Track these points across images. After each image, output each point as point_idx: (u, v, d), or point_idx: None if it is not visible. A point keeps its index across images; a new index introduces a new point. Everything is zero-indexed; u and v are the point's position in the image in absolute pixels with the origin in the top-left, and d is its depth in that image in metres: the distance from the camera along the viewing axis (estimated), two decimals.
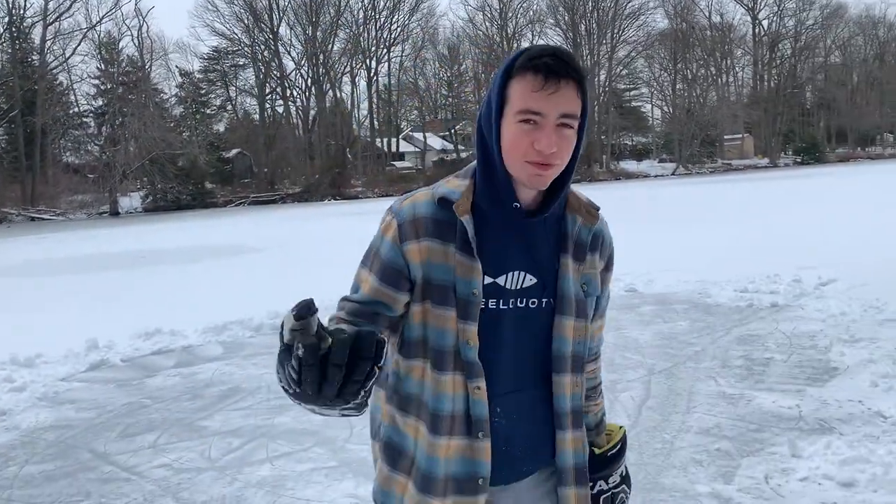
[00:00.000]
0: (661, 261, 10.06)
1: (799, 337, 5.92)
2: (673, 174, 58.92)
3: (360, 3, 57.47)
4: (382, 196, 48.93)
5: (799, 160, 65.44)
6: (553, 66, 1.24)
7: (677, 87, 66.38)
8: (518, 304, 1.37)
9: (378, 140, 59.48)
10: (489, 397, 1.36)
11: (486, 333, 1.34)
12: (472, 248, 1.32)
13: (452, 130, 60.79)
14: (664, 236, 14.00)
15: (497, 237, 1.36)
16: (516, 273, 1.36)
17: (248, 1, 54.79)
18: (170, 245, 19.54)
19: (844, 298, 7.10)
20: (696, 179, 48.31)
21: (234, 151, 54.43)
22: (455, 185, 1.37)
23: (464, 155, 57.06)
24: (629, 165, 62.96)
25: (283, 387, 1.05)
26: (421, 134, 61.77)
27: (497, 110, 1.30)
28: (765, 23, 70.43)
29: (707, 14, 68.28)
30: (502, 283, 1.36)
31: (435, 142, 62.35)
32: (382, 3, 58.07)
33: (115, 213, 43.83)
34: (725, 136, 66.42)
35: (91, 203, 44.64)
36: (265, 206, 44.92)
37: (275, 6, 55.55)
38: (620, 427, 1.64)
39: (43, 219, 40.50)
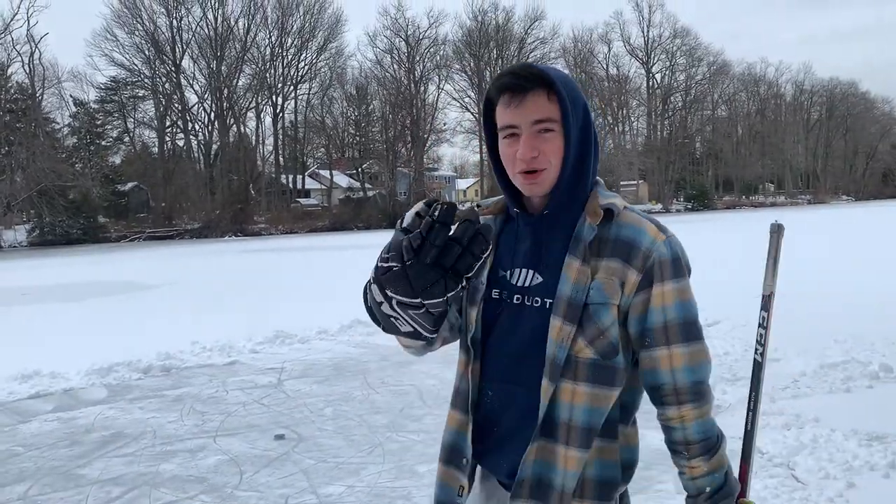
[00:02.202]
0: None
1: None
2: None
3: (267, 40, 57.17)
4: (286, 233, 48.16)
5: (689, 206, 69.03)
6: (511, 83, 1.34)
7: None
8: (522, 300, 1.40)
9: (283, 176, 58.75)
10: (486, 380, 1.44)
11: (487, 321, 1.43)
12: (489, 246, 1.38)
13: (360, 169, 60.80)
14: None
15: (515, 237, 1.45)
16: (524, 270, 1.41)
17: (150, 32, 53.48)
18: (55, 281, 18.49)
19: (728, 339, 7.47)
20: None
21: (131, 185, 52.46)
22: (496, 198, 1.53)
23: (370, 193, 57.10)
24: None
25: (386, 265, 1.26)
26: (328, 171, 61.48)
27: (489, 136, 1.44)
28: (658, 76, 74.65)
29: (605, 66, 71.75)
30: (509, 278, 1.42)
31: (342, 179, 62.14)
32: (290, 41, 57.99)
33: None
34: (622, 182, 69.35)
35: None
36: (161, 241, 43.39)
37: (178, 38, 54.45)
38: None
39: None
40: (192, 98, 56.24)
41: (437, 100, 64.01)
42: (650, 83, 74.42)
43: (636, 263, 1.34)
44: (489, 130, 1.44)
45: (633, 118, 75.25)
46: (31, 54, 47.04)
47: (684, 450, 1.41)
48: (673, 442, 1.43)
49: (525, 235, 1.42)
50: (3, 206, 42.54)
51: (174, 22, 54.03)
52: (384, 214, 52.81)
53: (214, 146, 56.40)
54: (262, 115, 58.37)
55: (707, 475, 1.40)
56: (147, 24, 53.38)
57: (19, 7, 48.80)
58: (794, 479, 3.79)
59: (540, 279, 1.38)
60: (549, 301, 1.36)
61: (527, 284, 1.39)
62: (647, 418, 5.31)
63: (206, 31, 54.91)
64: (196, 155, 56.68)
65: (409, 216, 1.31)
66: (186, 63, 55.21)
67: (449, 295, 1.26)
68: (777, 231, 1.58)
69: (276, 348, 8.05)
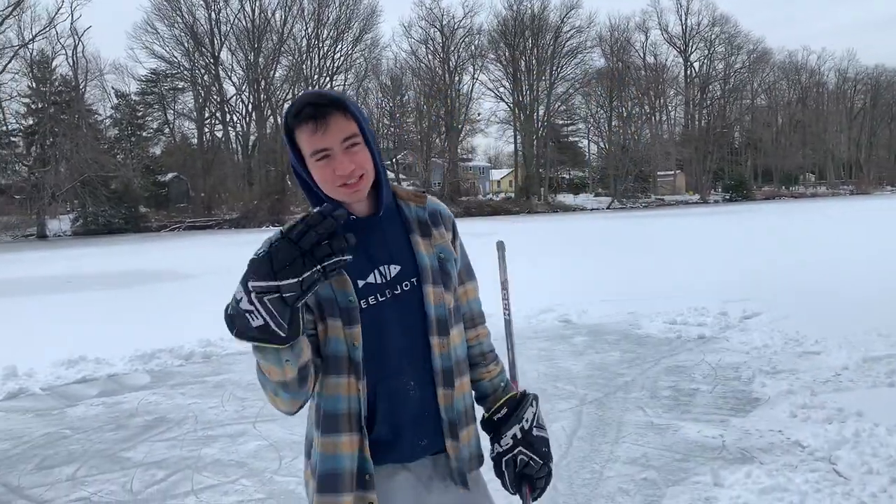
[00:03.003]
0: (594, 292, 10.26)
1: (724, 368, 6.11)
2: (608, 208, 60.36)
3: (303, 32, 57.54)
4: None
5: (728, 197, 67.94)
6: (313, 113, 1.48)
7: (613, 123, 68.32)
8: (394, 291, 1.58)
9: None
10: (381, 381, 1.56)
11: (372, 328, 1.55)
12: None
13: (394, 160, 60.99)
14: (598, 268, 14.29)
15: (355, 247, 1.52)
16: (383, 267, 1.58)
17: (189, 24, 54.20)
18: (99, 270, 18.94)
19: (767, 331, 7.36)
20: (630, 213, 49.60)
21: (171, 175, 53.34)
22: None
23: (405, 183, 57.22)
24: (566, 199, 64.21)
25: (255, 256, 1.30)
26: None
27: (299, 163, 1.55)
28: (696, 65, 73.47)
29: (642, 55, 70.80)
30: (373, 281, 1.57)
31: None
32: (326, 33, 58.30)
33: (42, 236, 42.29)
34: (658, 173, 68.50)
35: (17, 225, 42.99)
36: (201, 231, 44.05)
37: (216, 31, 55.10)
38: (513, 393, 1.75)
39: None
40: (231, 90, 57.00)
41: (472, 90, 63.92)
42: (688, 72, 73.31)
43: (447, 225, 1.71)
44: (295, 153, 1.55)
45: (670, 107, 74.23)
46: (75, 47, 48.08)
47: (482, 359, 1.77)
48: (474, 356, 1.76)
49: (364, 241, 1.57)
50: (48, 196, 43.60)
51: (212, 14, 54.73)
52: None
53: (252, 137, 57.09)
54: None
55: (499, 374, 1.81)
56: (186, 16, 54.16)
57: (63, 1, 49.75)
58: (836, 474, 3.74)
59: (398, 267, 1.59)
60: (414, 279, 1.60)
61: (392, 276, 1.58)
62: (682, 410, 5.23)
63: (244, 23, 55.49)
64: (234, 146, 57.44)
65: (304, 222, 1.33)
66: (225, 55, 55.95)
67: (304, 276, 1.27)
68: (501, 248, 2.06)
69: None
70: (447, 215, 1.74)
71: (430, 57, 62.30)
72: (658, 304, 9.12)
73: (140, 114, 56.68)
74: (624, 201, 61.98)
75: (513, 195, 65.88)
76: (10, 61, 46.25)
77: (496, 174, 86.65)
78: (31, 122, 49.08)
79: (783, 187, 77.22)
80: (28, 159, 47.70)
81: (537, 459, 1.69)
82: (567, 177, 72.55)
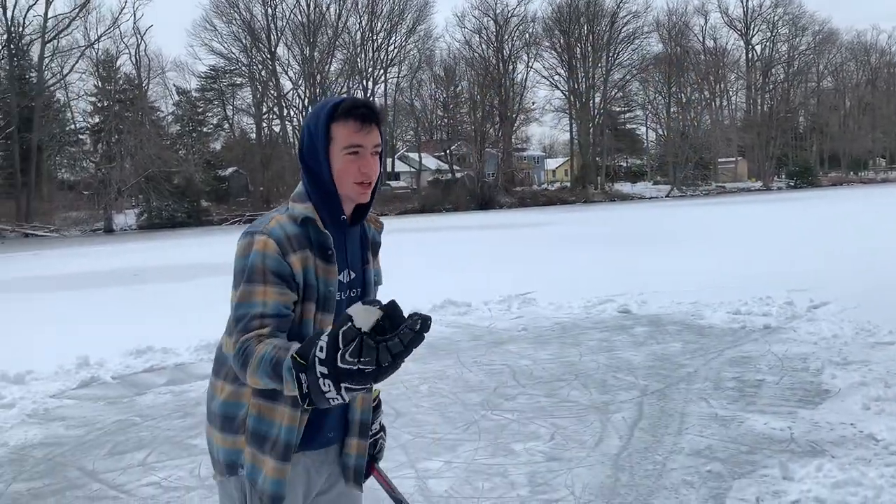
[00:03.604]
0: (654, 282, 10.08)
1: (791, 359, 5.93)
2: (667, 196, 59.24)
3: (357, 25, 58.01)
4: (377, 215, 48.90)
5: (792, 184, 65.93)
6: (367, 115, 1.70)
7: (671, 110, 66.96)
8: (350, 294, 1.80)
9: None
10: None
11: (334, 320, 1.71)
12: (333, 255, 1.72)
13: (448, 151, 61.04)
14: (658, 258, 14.04)
15: (335, 244, 1.75)
16: (346, 270, 1.80)
17: (247, 21, 55.19)
18: (164, 262, 19.51)
19: (836, 321, 7.12)
20: (690, 201, 48.56)
21: (231, 170, 54.52)
22: (305, 208, 1.72)
23: (459, 174, 57.28)
24: (624, 187, 63.29)
25: (356, 368, 1.40)
26: (416, 154, 62.03)
27: (324, 150, 1.71)
28: (758, 48, 71.36)
29: (701, 39, 69.12)
30: (342, 279, 1.78)
31: (430, 162, 62.58)
32: (380, 25, 58.65)
33: (109, 230, 43.77)
34: (719, 160, 66.90)
35: (85, 220, 44.58)
36: None
37: (272, 26, 55.98)
38: (376, 391, 1.99)
39: (37, 235, 40.38)
40: (287, 84, 57.88)
41: (526, 78, 63.48)
42: (749, 55, 71.26)
43: (377, 254, 1.96)
44: (324, 142, 1.71)
45: (730, 92, 72.28)
46: (138, 46, 49.52)
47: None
48: None
49: (341, 241, 1.77)
50: (114, 192, 45.10)
51: (269, 10, 55.62)
52: (472, 196, 52.90)
53: None
54: None
55: None
56: (244, 13, 55.18)
57: (126, 1, 51.25)
58: None
59: (354, 274, 1.81)
60: (358, 289, 1.82)
61: (349, 280, 1.80)
62: (747, 402, 5.12)
63: (299, 17, 56.23)
64: (291, 140, 58.29)
65: (366, 321, 1.41)
66: (281, 50, 56.83)
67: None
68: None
69: None
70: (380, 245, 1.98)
71: (483, 46, 62.13)
72: (721, 293, 8.91)
73: (200, 110, 58.10)
74: (684, 189, 60.75)
75: (568, 184, 65.25)
76: (77, 61, 48.01)
77: (551, 163, 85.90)
78: (97, 119, 50.82)
79: (851, 173, 74.48)
80: (95, 156, 49.44)
81: (385, 440, 2.06)
82: (624, 165, 71.51)
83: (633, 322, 7.86)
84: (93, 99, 50.79)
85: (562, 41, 63.56)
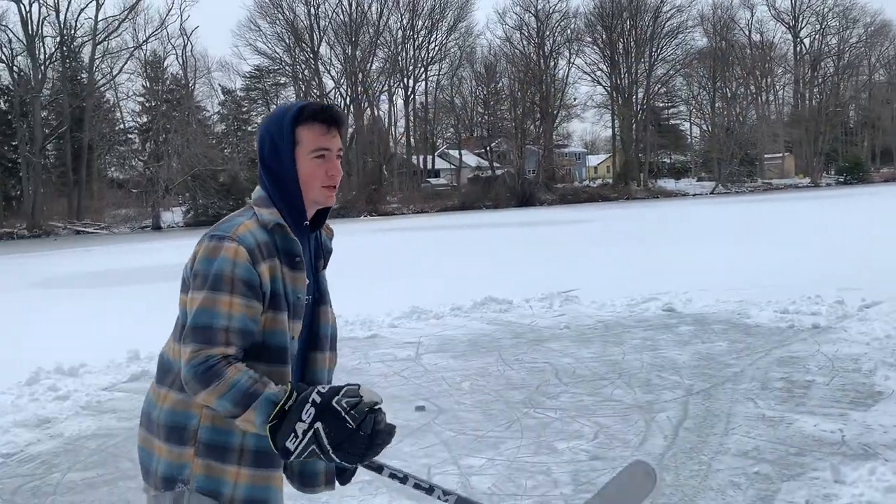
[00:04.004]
0: (699, 280, 9.93)
1: (842, 360, 5.79)
2: (712, 193, 58.23)
3: (398, 23, 58.22)
4: (417, 213, 49.16)
5: (842, 180, 64.22)
6: (333, 118, 1.72)
7: (716, 105, 65.74)
8: (307, 300, 1.77)
9: (414, 157, 59.89)
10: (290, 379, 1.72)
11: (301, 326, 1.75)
12: (301, 262, 1.69)
13: (488, 148, 60.92)
14: (703, 255, 13.83)
15: (302, 247, 1.74)
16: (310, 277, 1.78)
17: (290, 21, 55.82)
18: None
19: (890, 321, 6.92)
20: (736, 198, 47.66)
21: None
22: (272, 214, 1.68)
23: (499, 171, 57.14)
24: (667, 184, 62.42)
25: (352, 428, 1.49)
26: (456, 151, 62.03)
27: (290, 154, 1.69)
28: (806, 41, 69.59)
29: (747, 32, 67.72)
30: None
31: (470, 159, 62.54)
32: (421, 23, 58.78)
33: (157, 227, 44.73)
34: (765, 155, 65.51)
35: (134, 217, 45.65)
36: None
37: (315, 26, 56.52)
38: None
39: (88, 232, 41.50)
40: (329, 83, 58.39)
41: (568, 74, 62.97)
42: (798, 49, 69.54)
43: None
44: (289, 146, 1.70)
45: (777, 87, 70.67)
46: (184, 47, 50.44)
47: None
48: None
49: (306, 245, 1.77)
50: (161, 190, 46.06)
51: (312, 10, 56.18)
52: (513, 193, 52.70)
53: (350, 129, 58.29)
54: (394, 98, 59.69)
55: None
56: (287, 13, 55.84)
57: (173, 3, 52.28)
58: None
59: (308, 280, 1.75)
60: (310, 297, 1.78)
61: (307, 285, 1.75)
62: (796, 402, 5.01)
63: (342, 17, 56.66)
64: None
65: (369, 395, 1.54)
66: (324, 49, 57.38)
67: (348, 465, 1.60)
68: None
69: (412, 323, 8.27)
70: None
71: (524, 43, 61.81)
72: (768, 292, 8.74)
73: (245, 109, 59.01)
74: (728, 186, 59.64)
75: (611, 181, 64.60)
76: (126, 62, 49.12)
77: (593, 160, 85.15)
78: (145, 119, 51.97)
79: None
80: (143, 155, 50.56)
81: None
82: (668, 161, 70.51)
83: (678, 321, 7.76)
84: (141, 99, 51.97)
85: (604, 36, 62.88)
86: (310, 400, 1.49)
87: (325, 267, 1.89)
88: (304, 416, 1.47)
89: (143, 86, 51.40)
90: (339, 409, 1.46)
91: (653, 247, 16.43)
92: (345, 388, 1.52)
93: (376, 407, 1.52)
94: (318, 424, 1.46)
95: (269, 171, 1.72)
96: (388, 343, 7.35)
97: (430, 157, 62.12)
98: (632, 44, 62.85)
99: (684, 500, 3.41)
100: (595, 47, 63.56)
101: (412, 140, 60.76)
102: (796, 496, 3.39)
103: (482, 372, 6.02)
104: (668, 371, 5.74)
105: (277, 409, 1.50)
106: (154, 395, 1.71)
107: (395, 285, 11.60)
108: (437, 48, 59.69)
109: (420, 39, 59.11)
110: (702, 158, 68.56)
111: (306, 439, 1.47)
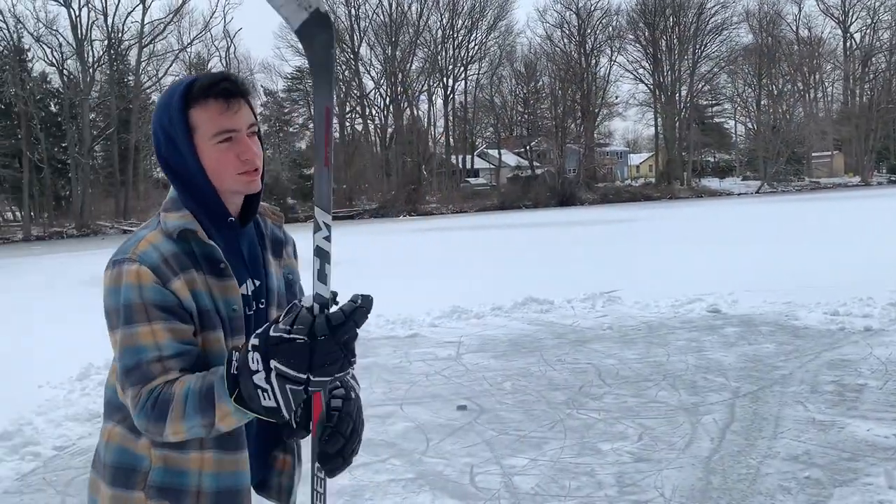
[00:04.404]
0: (745, 281, 9.75)
1: None
2: (757, 192, 57.11)
3: (438, 23, 58.30)
4: (456, 212, 49.16)
5: (894, 178, 62.39)
6: (231, 90, 1.39)
7: (762, 102, 64.46)
8: (257, 306, 1.51)
9: (453, 157, 59.93)
10: None
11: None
12: (226, 268, 1.42)
13: (528, 147, 60.65)
14: (749, 256, 13.57)
15: (230, 253, 1.46)
16: (248, 280, 1.50)
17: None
18: None
19: None
20: (783, 198, 46.66)
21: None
22: (180, 218, 1.42)
23: (539, 171, 56.85)
24: (711, 183, 61.41)
25: (289, 336, 1.20)
26: (496, 150, 61.92)
27: (187, 142, 1.40)
28: (857, 36, 67.73)
29: (794, 28, 66.23)
30: (245, 292, 1.49)
31: (510, 158, 62.36)
32: (461, 23, 58.76)
33: None
34: (813, 154, 64.03)
35: None
36: (343, 221, 45.79)
37: (356, 27, 56.93)
38: None
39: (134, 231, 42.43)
40: (369, 84, 58.74)
41: (609, 72, 62.33)
42: (847, 44, 67.74)
43: (292, 251, 1.68)
44: (184, 134, 1.40)
45: (826, 83, 68.95)
46: (228, 49, 51.32)
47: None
48: None
49: (234, 249, 1.48)
50: None
51: (352, 10, 56.60)
52: (553, 192, 52.38)
53: (389, 130, 58.60)
54: (433, 98, 59.79)
55: None
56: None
57: (217, 5, 53.21)
58: None
59: (257, 282, 1.51)
60: (264, 300, 1.52)
61: (251, 291, 1.50)
62: (847, 406, 4.91)
63: (382, 17, 56.94)
64: (373, 138, 59.25)
65: (308, 299, 1.26)
66: (364, 50, 57.72)
67: (338, 375, 1.21)
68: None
69: (453, 323, 8.28)
70: (292, 240, 1.69)
71: (565, 41, 61.37)
72: (817, 293, 8.54)
73: (286, 110, 59.74)
74: (775, 185, 58.42)
75: (653, 180, 63.77)
76: (171, 65, 50.15)
77: (635, 159, 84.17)
78: None
79: None
80: None
81: None
82: (712, 160, 69.36)
83: (724, 322, 7.63)
84: None
85: (646, 34, 62.11)
86: (249, 348, 1.24)
87: (293, 258, 1.66)
88: (253, 366, 1.22)
89: None
90: (279, 335, 1.20)
91: (697, 247, 16.17)
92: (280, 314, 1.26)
93: (316, 304, 1.25)
94: (273, 363, 1.20)
95: (169, 168, 1.44)
96: (428, 342, 7.36)
97: (469, 157, 62.06)
98: (675, 41, 61.96)
99: None
100: (637, 45, 62.87)
101: (451, 140, 60.77)
102: (849, 502, 3.31)
103: (524, 372, 5.99)
104: (713, 373, 5.64)
105: (227, 381, 1.26)
106: (101, 433, 1.49)
107: (435, 285, 11.61)
108: (476, 47, 59.66)
109: (460, 39, 59.12)
110: (747, 157, 67.26)
111: (275, 385, 1.21)
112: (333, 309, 1.24)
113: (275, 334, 1.21)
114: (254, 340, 1.24)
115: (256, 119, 1.46)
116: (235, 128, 1.40)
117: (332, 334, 1.19)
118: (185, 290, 1.37)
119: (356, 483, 3.83)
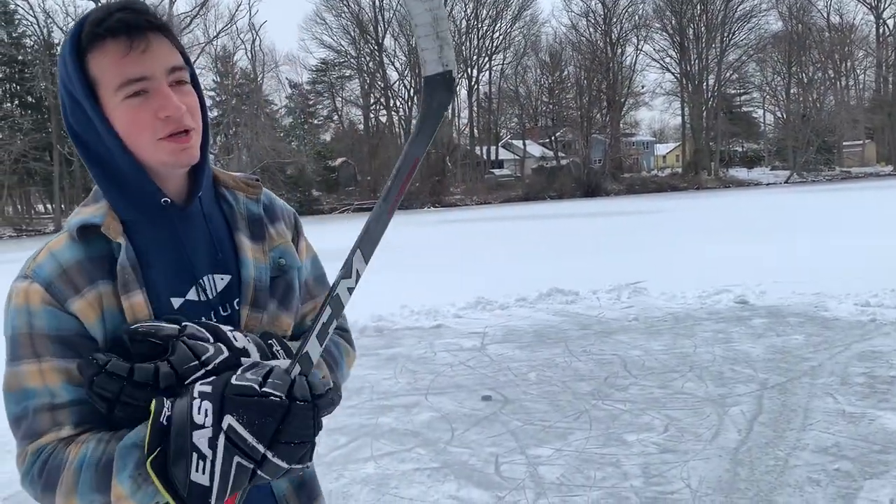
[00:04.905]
0: (773, 272, 9.63)
1: None
2: (786, 182, 56.28)
3: (462, 13, 58.08)
4: (481, 204, 49.10)
5: None
6: (132, 21, 1.01)
7: (791, 91, 63.41)
8: (222, 312, 1.12)
9: (477, 148, 59.80)
10: None
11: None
12: (131, 277, 1.05)
13: (553, 137, 60.32)
14: (777, 247, 13.39)
15: (165, 248, 1.10)
16: (207, 278, 1.12)
17: (355, 13, 56.43)
18: None
19: None
20: (812, 188, 45.93)
21: (340, 160, 56.09)
22: (90, 211, 1.09)
23: (564, 161, 56.54)
24: (739, 173, 60.64)
25: (261, 390, 0.93)
26: (520, 141, 61.68)
27: (90, 102, 1.03)
28: (890, 22, 66.26)
29: (825, 14, 65.03)
30: (195, 298, 1.10)
31: (535, 149, 62.08)
32: (485, 13, 58.48)
33: None
34: (844, 143, 62.91)
35: None
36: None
37: (380, 18, 56.95)
38: None
39: None
40: (394, 75, 58.78)
41: (636, 61, 61.77)
42: (880, 30, 66.34)
43: (288, 222, 1.27)
44: (84, 91, 1.03)
45: (858, 71, 67.62)
46: (253, 42, 51.81)
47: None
48: None
49: (177, 241, 1.10)
50: None
51: (376, 2, 56.60)
52: (578, 183, 52.08)
53: (414, 121, 58.60)
54: (457, 88, 59.58)
55: None
56: (352, 5, 56.43)
57: None
58: None
59: (228, 277, 1.14)
60: (237, 299, 1.14)
61: (218, 291, 1.13)
62: (879, 398, 4.83)
63: (405, 8, 56.89)
64: (397, 130, 59.28)
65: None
66: (388, 41, 57.76)
67: (295, 467, 0.94)
68: None
69: (477, 313, 8.29)
70: (288, 210, 1.29)
71: (590, 30, 60.84)
72: (847, 284, 8.41)
73: (311, 102, 60.03)
74: (804, 175, 57.51)
75: (680, 170, 63.12)
76: (197, 58, 50.42)
77: (661, 149, 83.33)
78: (216, 113, 53.36)
79: None
80: (214, 148, 51.97)
81: None
82: (740, 150, 68.44)
83: (751, 313, 7.54)
84: (212, 93, 53.36)
85: (673, 22, 61.34)
86: (195, 394, 0.93)
87: (289, 237, 1.25)
88: (198, 419, 0.91)
89: (213, 80, 52.83)
90: (248, 384, 0.93)
91: (724, 237, 15.99)
92: (239, 361, 1.00)
93: (298, 366, 0.98)
94: (228, 420, 0.91)
95: (79, 140, 1.08)
96: (453, 333, 7.38)
97: (493, 148, 61.86)
98: (702, 29, 61.13)
99: (760, 496, 3.33)
100: (664, 33, 62.12)
101: (476, 131, 60.63)
102: (880, 494, 3.27)
103: (549, 363, 5.98)
104: (741, 364, 5.59)
105: (149, 435, 0.92)
106: None
107: (459, 276, 11.63)
108: (501, 37, 59.36)
109: (484, 29, 58.87)
110: (775, 147, 66.28)
111: (220, 452, 0.91)
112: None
113: (239, 383, 0.93)
114: (202, 388, 0.93)
115: (187, 60, 1.08)
116: (145, 74, 1.02)
117: (313, 401, 0.94)
118: (92, 310, 1.02)
119: (381, 472, 3.86)
